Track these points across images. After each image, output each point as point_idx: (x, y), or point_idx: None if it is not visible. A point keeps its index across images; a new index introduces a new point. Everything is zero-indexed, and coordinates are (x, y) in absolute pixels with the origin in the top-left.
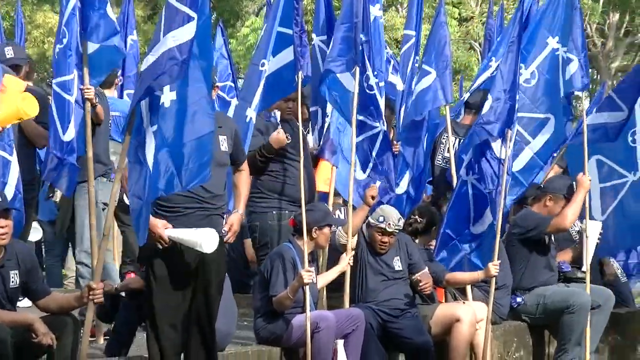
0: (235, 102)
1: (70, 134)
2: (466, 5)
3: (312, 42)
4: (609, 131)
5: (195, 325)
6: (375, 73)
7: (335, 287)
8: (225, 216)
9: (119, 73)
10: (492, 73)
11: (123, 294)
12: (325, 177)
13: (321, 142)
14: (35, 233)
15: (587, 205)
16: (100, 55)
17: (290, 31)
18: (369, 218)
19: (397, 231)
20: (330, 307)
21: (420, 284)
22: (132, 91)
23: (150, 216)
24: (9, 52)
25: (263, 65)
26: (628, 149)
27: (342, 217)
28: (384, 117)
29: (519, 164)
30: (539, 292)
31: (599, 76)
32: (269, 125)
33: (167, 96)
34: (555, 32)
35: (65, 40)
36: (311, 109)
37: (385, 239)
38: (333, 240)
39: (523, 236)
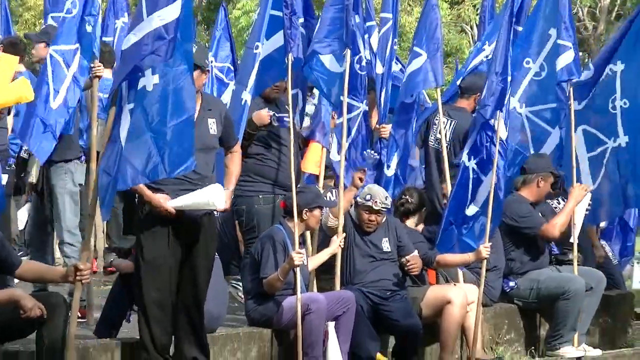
0: (233, 85)
1: (57, 102)
2: None
3: None
4: (576, 90)
5: (184, 309)
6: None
7: (325, 269)
8: None
9: None
10: (487, 57)
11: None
12: (316, 159)
13: (311, 124)
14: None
15: (574, 175)
16: None
17: (282, 14)
18: (357, 197)
19: (384, 209)
20: (320, 289)
21: (408, 264)
22: None
23: (150, 193)
24: None
25: (257, 48)
26: (609, 115)
27: (333, 199)
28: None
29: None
30: (532, 277)
31: (590, 60)
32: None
33: (150, 80)
34: (554, 22)
35: (75, 11)
36: (292, 92)
37: (373, 217)
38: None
39: (514, 228)
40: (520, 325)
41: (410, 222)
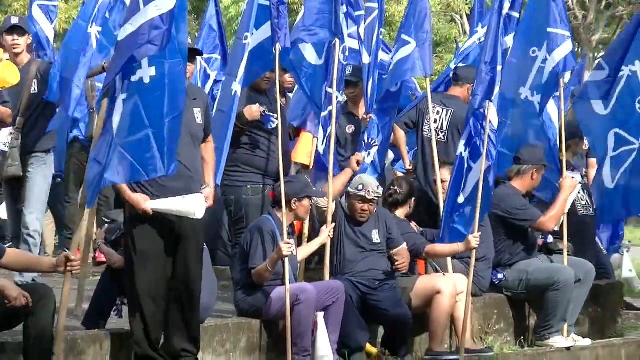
0: (214, 75)
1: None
2: None
3: None
4: (590, 90)
5: (177, 301)
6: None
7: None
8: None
9: None
10: (480, 40)
11: None
12: (307, 149)
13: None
14: None
15: (564, 165)
16: None
17: (269, 3)
18: (348, 188)
19: (376, 198)
20: (309, 280)
21: (397, 264)
22: None
23: (130, 193)
24: None
25: (246, 38)
26: (635, 115)
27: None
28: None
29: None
30: (520, 268)
31: (580, 49)
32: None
33: (147, 71)
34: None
35: None
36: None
37: (366, 206)
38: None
39: (507, 220)
40: (509, 315)
41: (400, 213)
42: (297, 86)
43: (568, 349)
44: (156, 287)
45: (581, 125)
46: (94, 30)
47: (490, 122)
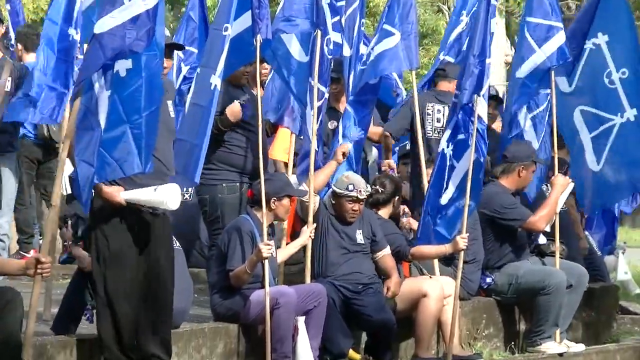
0: (185, 70)
1: None
2: None
3: None
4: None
5: (146, 302)
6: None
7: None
8: None
9: None
10: (463, 29)
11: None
12: (285, 145)
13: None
14: None
15: (556, 162)
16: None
17: None
18: (335, 187)
19: (366, 197)
20: (289, 283)
21: (387, 294)
22: None
23: (105, 187)
24: None
25: (226, 30)
26: (607, 91)
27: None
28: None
29: None
30: (510, 272)
31: None
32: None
33: (123, 64)
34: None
35: None
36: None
37: (356, 206)
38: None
39: (495, 219)
40: (499, 319)
41: (384, 212)
42: (269, 79)
43: (560, 355)
44: (130, 287)
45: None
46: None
47: (479, 117)
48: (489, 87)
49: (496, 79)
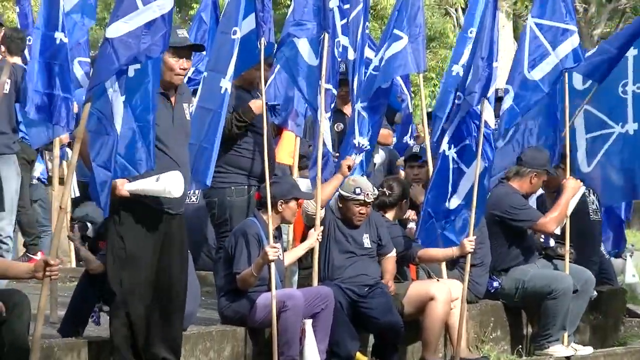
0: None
1: None
2: None
3: None
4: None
5: (159, 304)
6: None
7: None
8: None
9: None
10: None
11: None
12: (289, 149)
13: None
14: None
15: (567, 165)
16: None
17: None
18: (342, 191)
19: (374, 200)
20: (297, 285)
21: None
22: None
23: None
24: None
25: (235, 33)
26: (618, 99)
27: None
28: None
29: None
30: (517, 276)
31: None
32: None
33: (132, 65)
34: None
35: None
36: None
37: (364, 210)
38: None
39: (505, 220)
40: (506, 322)
41: (391, 215)
42: (270, 81)
43: (568, 358)
44: (145, 288)
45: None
46: (60, 36)
47: (485, 121)
48: (496, 90)
49: (503, 82)
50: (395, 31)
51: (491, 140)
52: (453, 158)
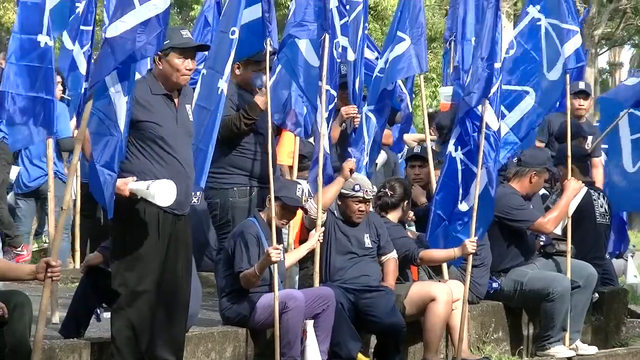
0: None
1: None
2: None
3: None
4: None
5: (163, 305)
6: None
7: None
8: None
9: None
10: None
11: None
12: (289, 149)
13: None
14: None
15: (569, 165)
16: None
17: None
18: (341, 189)
19: (373, 197)
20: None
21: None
22: None
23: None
24: None
25: (233, 33)
26: None
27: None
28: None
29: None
30: (515, 278)
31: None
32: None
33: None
34: (535, 1)
35: None
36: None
37: (363, 207)
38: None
39: (503, 221)
40: (508, 323)
41: (392, 216)
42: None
43: (569, 359)
44: (150, 289)
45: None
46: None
47: (486, 123)
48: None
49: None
50: (399, 33)
51: (493, 141)
52: (461, 159)
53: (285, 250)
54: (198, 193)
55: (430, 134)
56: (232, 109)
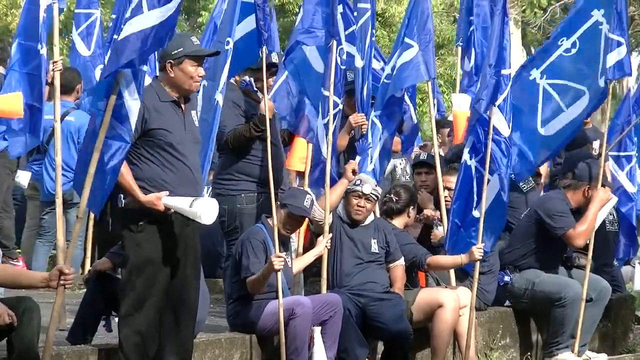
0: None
1: None
2: None
3: None
4: None
5: (172, 312)
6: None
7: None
8: None
9: None
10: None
11: None
12: (301, 155)
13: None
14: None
15: (600, 174)
16: None
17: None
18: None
19: (373, 196)
20: (306, 293)
21: None
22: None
23: (143, 195)
24: None
25: (228, 44)
26: None
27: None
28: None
29: (551, 129)
30: (528, 277)
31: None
32: (245, 97)
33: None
34: (600, 4)
35: None
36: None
37: (362, 202)
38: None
39: (542, 221)
40: (515, 330)
41: (398, 222)
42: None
43: None
44: (158, 296)
45: None
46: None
47: (496, 128)
48: None
49: None
50: (406, 39)
51: (503, 147)
52: (475, 167)
53: (296, 255)
54: None
55: (437, 140)
56: (241, 115)
